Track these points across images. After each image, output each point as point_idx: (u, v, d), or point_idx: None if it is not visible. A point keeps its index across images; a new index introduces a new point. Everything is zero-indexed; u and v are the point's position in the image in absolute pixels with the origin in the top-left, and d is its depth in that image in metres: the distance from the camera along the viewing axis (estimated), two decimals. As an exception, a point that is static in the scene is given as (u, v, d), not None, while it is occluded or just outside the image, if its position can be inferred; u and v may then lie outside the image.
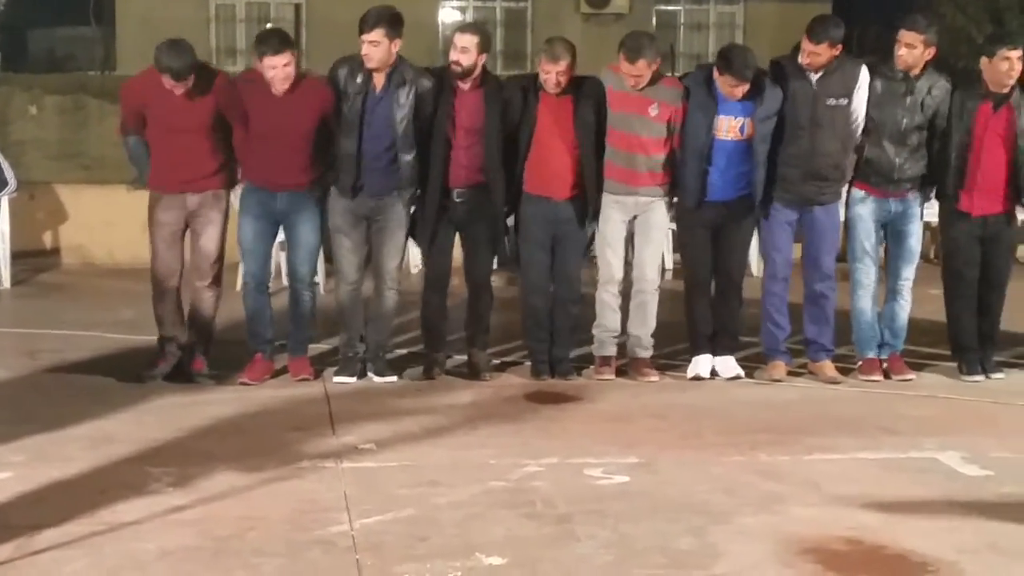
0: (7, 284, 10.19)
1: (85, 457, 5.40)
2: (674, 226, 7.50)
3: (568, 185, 6.93)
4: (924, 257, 9.28)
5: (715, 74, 6.85)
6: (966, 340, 7.31)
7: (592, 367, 7.19)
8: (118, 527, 4.58)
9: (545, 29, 19.04)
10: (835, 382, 7.12)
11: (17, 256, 10.50)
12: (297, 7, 20.29)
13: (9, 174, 10.28)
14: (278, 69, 6.53)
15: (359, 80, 6.67)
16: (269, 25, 19.86)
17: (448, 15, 20.81)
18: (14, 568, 4.19)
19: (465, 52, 6.71)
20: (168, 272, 6.87)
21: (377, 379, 6.96)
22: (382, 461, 5.49)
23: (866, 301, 7.23)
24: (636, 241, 7.16)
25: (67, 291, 10.15)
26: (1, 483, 5.02)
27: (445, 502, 4.94)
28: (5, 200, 10.29)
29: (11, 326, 8.68)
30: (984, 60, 6.97)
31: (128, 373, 6.89)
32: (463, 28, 7.00)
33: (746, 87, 6.79)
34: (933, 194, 7.33)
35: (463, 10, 20.96)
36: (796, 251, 7.32)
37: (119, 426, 5.96)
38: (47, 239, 11.62)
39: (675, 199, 7.14)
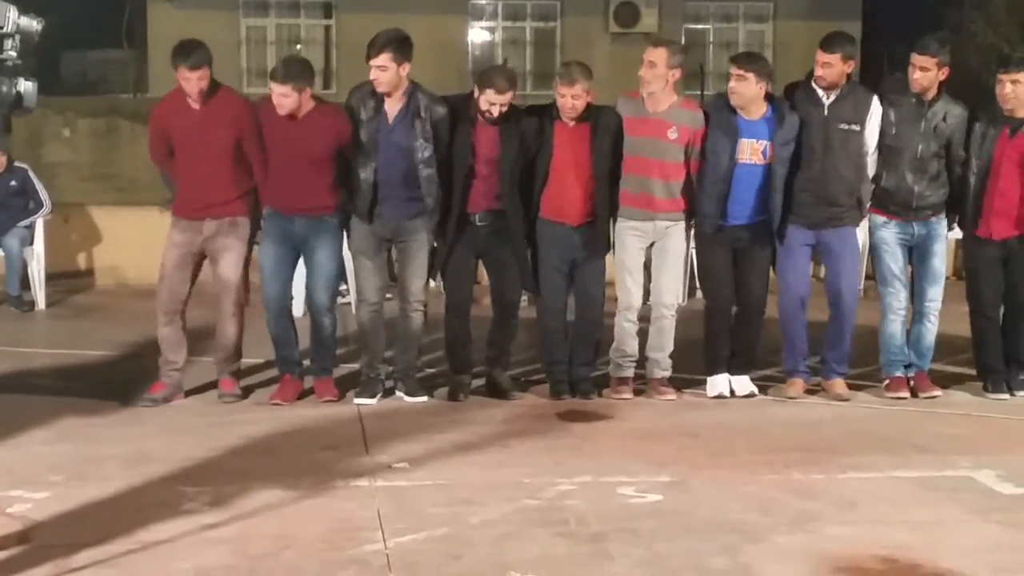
0: (43, 305, 10.28)
1: (121, 477, 5.44)
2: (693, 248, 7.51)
3: (583, 212, 6.94)
4: (956, 275, 9.27)
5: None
6: (991, 361, 7.31)
7: (609, 388, 7.20)
8: (153, 546, 4.60)
9: (574, 49, 19.11)
10: (842, 399, 7.13)
11: (52, 277, 10.61)
12: (327, 28, 20.42)
13: (44, 196, 10.41)
14: (275, 95, 6.64)
15: (372, 106, 6.73)
16: (299, 47, 20.02)
17: (478, 35, 20.88)
18: (51, 587, 4.23)
19: (504, 106, 6.71)
20: (172, 294, 6.88)
21: (408, 399, 6.99)
22: (415, 480, 5.50)
23: (896, 325, 7.22)
24: (653, 267, 7.16)
25: (101, 312, 10.23)
26: (38, 502, 5.06)
27: (479, 521, 4.94)
28: (40, 222, 10.40)
29: (47, 347, 8.74)
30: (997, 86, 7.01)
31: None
32: (500, 87, 6.69)
33: (750, 84, 6.83)
34: (956, 222, 7.34)
35: (492, 30, 21.02)
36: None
37: (154, 446, 5.99)
38: (81, 260, 11.72)
39: (693, 224, 7.16)
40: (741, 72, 6.85)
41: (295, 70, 6.74)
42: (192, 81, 6.63)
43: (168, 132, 6.85)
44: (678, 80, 6.98)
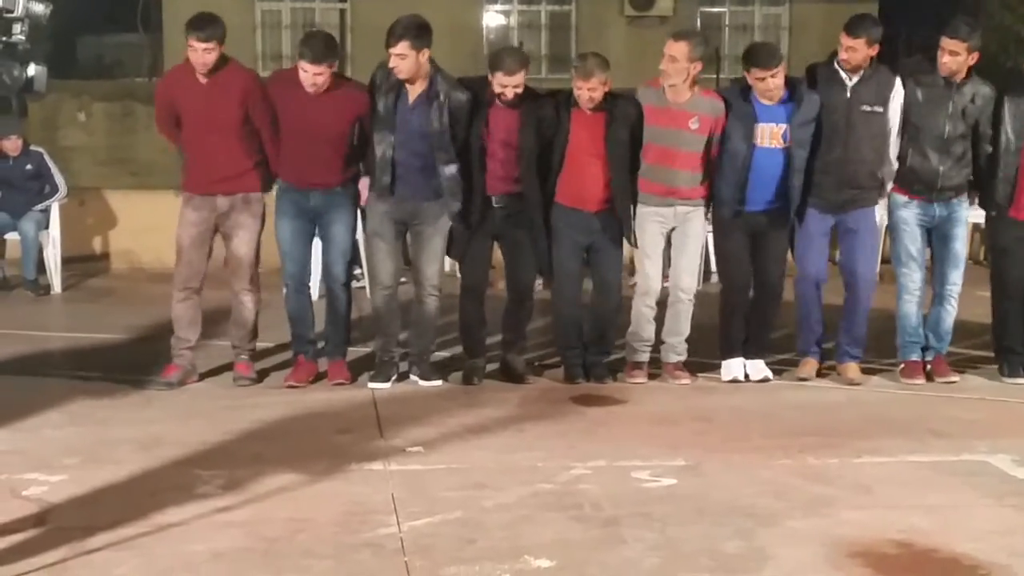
0: (58, 289, 10.31)
1: (135, 460, 5.45)
2: (710, 230, 7.50)
3: (601, 198, 6.93)
4: (973, 259, 9.24)
5: (748, 77, 6.86)
6: (1011, 342, 7.29)
7: (624, 372, 7.19)
8: (168, 528, 4.62)
9: (589, 32, 19.07)
10: (855, 384, 7.11)
11: (68, 261, 10.63)
12: (342, 12, 20.38)
13: (60, 180, 10.43)
14: (308, 76, 6.60)
15: (394, 83, 6.70)
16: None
17: (492, 19, 20.82)
18: (66, 569, 4.24)
19: (517, 87, 6.72)
20: (190, 272, 6.87)
21: (423, 383, 6.99)
22: (430, 464, 5.50)
23: (911, 306, 7.19)
24: (673, 251, 7.14)
25: (116, 296, 10.25)
26: (54, 485, 5.08)
27: (493, 504, 4.94)
28: (56, 206, 10.42)
29: (62, 331, 8.78)
30: None
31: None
32: (510, 68, 6.71)
33: (780, 78, 6.78)
34: (977, 201, 7.30)
35: (507, 14, 20.97)
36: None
37: (168, 429, 6.01)
38: (97, 244, 11.75)
39: (711, 208, 7.14)
40: (778, 71, 6.78)
41: (328, 48, 6.71)
42: (199, 52, 6.62)
43: (174, 104, 6.83)
44: (699, 71, 6.94)
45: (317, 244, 7.12)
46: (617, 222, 6.98)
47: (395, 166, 6.75)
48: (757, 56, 6.89)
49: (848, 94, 6.91)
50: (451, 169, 6.75)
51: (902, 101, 6.97)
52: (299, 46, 6.75)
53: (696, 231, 7.13)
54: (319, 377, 7.03)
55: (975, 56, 6.91)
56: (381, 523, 4.71)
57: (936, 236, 7.19)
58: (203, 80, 6.70)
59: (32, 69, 5.21)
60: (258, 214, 6.90)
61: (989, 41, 9.41)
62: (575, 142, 6.85)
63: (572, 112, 6.86)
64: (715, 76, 14.63)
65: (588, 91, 6.76)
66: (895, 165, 7.06)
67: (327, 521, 4.73)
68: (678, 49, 6.84)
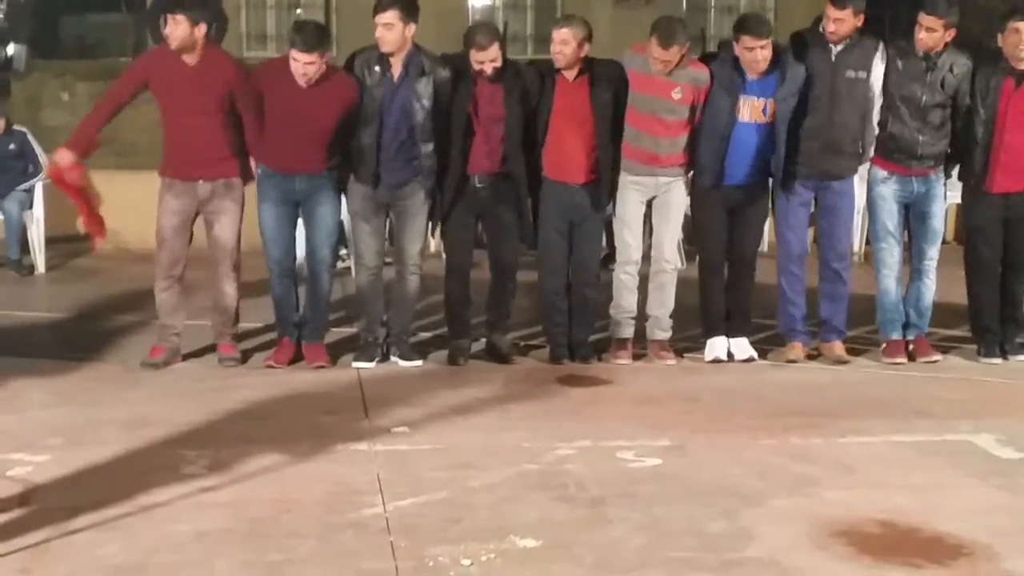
0: (42, 269, 10.28)
1: (120, 440, 5.44)
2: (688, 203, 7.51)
3: (584, 169, 6.92)
4: (956, 239, 9.25)
5: (735, 47, 6.86)
6: (987, 321, 7.31)
7: (609, 352, 7.19)
8: (152, 509, 4.61)
9: (575, 12, 18.97)
10: (842, 362, 7.13)
11: (51, 241, 10.59)
12: (328, -8, 20.26)
13: (43, 159, 10.38)
14: (299, 64, 6.54)
15: (376, 70, 6.67)
16: (299, 11, 19.89)
17: (478, -1, 20.74)
18: (50, 550, 4.23)
19: (494, 61, 6.70)
20: (172, 260, 6.84)
21: (402, 363, 6.98)
22: (415, 444, 5.50)
23: (890, 281, 7.22)
24: (654, 221, 7.16)
25: (101, 276, 10.20)
26: (38, 466, 5.07)
27: (478, 485, 4.95)
28: (39, 186, 10.37)
29: (46, 311, 8.74)
30: (1000, 36, 6.98)
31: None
32: (479, 44, 6.67)
33: (768, 51, 6.77)
34: (956, 174, 7.32)
35: (493, -7, 20.86)
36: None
37: (153, 410, 5.99)
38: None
39: (691, 177, 7.14)
40: (765, 42, 6.77)
41: (318, 37, 6.65)
42: (173, 25, 6.56)
43: (150, 84, 6.74)
44: (687, 52, 6.95)
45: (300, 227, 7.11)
46: (598, 196, 6.98)
47: (379, 154, 6.73)
48: (748, 24, 6.88)
49: (833, 59, 6.93)
50: (429, 147, 6.74)
51: (883, 67, 6.99)
52: (290, 35, 6.69)
53: (678, 200, 7.13)
54: (301, 358, 7.02)
55: (952, 33, 6.94)
56: (366, 503, 4.71)
57: (913, 213, 7.21)
58: (189, 63, 6.66)
59: (11, 48, 5.20)
60: (239, 199, 6.86)
61: (973, 22, 9.40)
62: (558, 111, 6.85)
63: (557, 79, 6.85)
64: (701, 58, 14.58)
65: (560, 44, 6.74)
66: (876, 131, 7.08)
67: (312, 501, 4.73)
68: (673, 54, 6.80)
